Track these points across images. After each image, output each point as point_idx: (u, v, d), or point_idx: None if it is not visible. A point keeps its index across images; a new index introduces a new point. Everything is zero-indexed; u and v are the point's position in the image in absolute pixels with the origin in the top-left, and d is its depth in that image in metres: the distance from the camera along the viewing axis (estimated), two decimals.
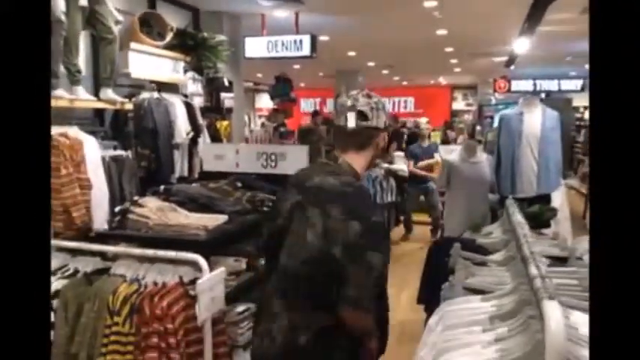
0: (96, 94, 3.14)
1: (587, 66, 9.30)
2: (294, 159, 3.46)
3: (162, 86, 3.61)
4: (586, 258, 1.98)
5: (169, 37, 3.72)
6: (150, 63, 3.54)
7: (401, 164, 6.00)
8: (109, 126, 3.44)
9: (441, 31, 7.00)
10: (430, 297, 1.94)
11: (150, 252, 2.11)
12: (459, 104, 17.22)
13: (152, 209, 2.38)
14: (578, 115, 12.18)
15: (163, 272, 2.11)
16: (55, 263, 2.16)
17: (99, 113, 3.50)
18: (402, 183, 5.81)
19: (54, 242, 2.19)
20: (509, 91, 10.70)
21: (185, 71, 4.04)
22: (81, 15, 2.78)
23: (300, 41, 5.58)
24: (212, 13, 5.46)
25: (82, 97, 2.90)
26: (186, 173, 3.62)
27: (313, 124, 6.50)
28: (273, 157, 3.47)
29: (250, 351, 1.44)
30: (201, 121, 3.86)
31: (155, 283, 2.02)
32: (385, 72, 12.73)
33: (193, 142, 3.68)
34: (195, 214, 2.46)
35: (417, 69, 12.50)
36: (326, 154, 1.54)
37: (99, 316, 1.98)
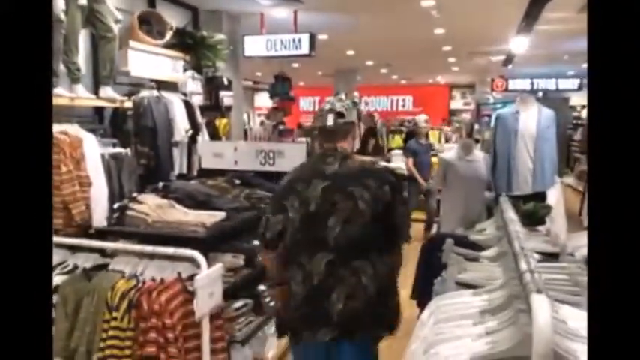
0: (96, 92, 3.17)
1: (584, 65, 9.35)
2: (292, 157, 3.48)
3: (162, 84, 3.64)
4: (577, 254, 2.01)
5: (169, 35, 3.74)
6: (149, 61, 3.56)
7: (399, 162, 6.03)
8: (109, 124, 3.47)
9: (439, 30, 7.02)
10: (423, 292, 1.97)
11: (148, 248, 2.14)
12: (457, 103, 17.28)
13: (151, 206, 2.41)
14: (576, 114, 12.21)
15: (162, 268, 2.14)
16: (54, 259, 2.19)
17: (99, 111, 3.53)
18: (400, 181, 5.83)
19: (54, 239, 2.21)
20: (506, 89, 10.72)
21: (184, 70, 4.06)
22: (80, 13, 2.80)
23: (299, 40, 5.60)
24: (211, 12, 5.48)
25: (82, 95, 2.92)
26: (185, 171, 3.65)
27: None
28: (271, 154, 3.50)
29: (337, 314, 1.67)
30: (200, 119, 3.89)
31: (153, 279, 2.05)
32: (384, 71, 12.75)
33: (192, 140, 3.70)
34: (194, 211, 2.49)
35: (416, 68, 12.52)
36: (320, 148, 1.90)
37: (98, 311, 2.01)
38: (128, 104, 3.26)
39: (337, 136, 1.82)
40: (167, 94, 3.53)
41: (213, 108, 4.66)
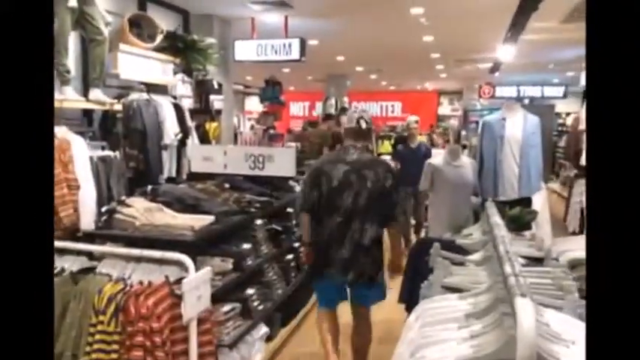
0: (85, 94, 3.15)
1: (569, 73, 9.49)
2: (282, 161, 3.50)
3: (152, 88, 3.62)
4: (562, 259, 2.05)
5: (159, 39, 3.73)
6: (139, 64, 3.55)
7: None
8: (98, 126, 3.45)
9: (428, 38, 7.11)
10: (411, 296, 1.99)
11: (136, 252, 2.13)
12: (445, 109, 17.50)
13: (139, 209, 2.40)
14: (561, 121, 12.46)
15: (149, 272, 2.13)
16: None
17: (87, 114, 3.50)
18: None
19: None
20: (493, 96, 10.89)
21: (174, 73, 4.06)
22: (70, 16, 2.79)
23: (290, 45, 5.63)
24: (202, 16, 5.48)
25: (71, 98, 2.90)
26: (174, 174, 3.64)
27: (327, 128, 6.51)
28: (260, 159, 3.51)
29: (339, 252, 2.45)
30: (190, 122, 3.88)
31: (141, 283, 2.04)
32: (373, 77, 12.85)
33: (182, 143, 3.69)
34: (182, 214, 2.48)
35: (405, 74, 12.65)
36: (331, 146, 2.88)
37: (84, 315, 1.99)
38: (118, 107, 3.25)
39: (364, 136, 2.63)
40: (157, 97, 3.52)
41: (203, 111, 4.66)
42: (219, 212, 2.55)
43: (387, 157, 6.46)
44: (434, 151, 5.57)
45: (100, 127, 3.43)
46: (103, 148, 2.96)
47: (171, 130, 3.50)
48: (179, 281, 2.00)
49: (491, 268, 1.67)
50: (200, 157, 3.60)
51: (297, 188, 3.87)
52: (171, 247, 2.15)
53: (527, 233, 2.57)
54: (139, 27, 3.68)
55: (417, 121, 5.79)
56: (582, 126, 6.03)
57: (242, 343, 2.70)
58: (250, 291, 2.85)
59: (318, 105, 13.89)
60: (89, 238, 2.40)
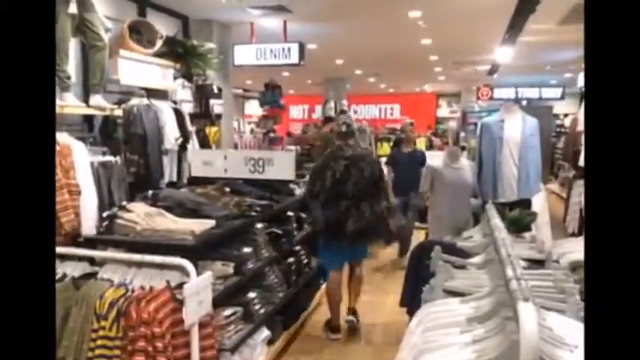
0: (85, 100, 3.15)
1: (566, 74, 9.50)
2: (282, 164, 3.51)
3: (152, 93, 3.63)
4: (562, 261, 2.05)
5: (159, 44, 3.74)
6: (139, 70, 3.56)
7: None
8: (99, 132, 3.45)
9: (426, 41, 7.14)
10: (412, 300, 2.00)
11: (137, 257, 2.14)
12: (443, 111, 17.55)
13: (140, 214, 2.40)
14: (559, 122, 12.50)
15: (151, 277, 2.14)
16: None
17: (88, 119, 3.51)
18: None
19: None
20: (491, 98, 10.92)
21: (174, 78, 4.07)
22: (70, 22, 2.80)
23: (289, 49, 5.65)
24: (202, 22, 5.50)
25: (72, 104, 2.91)
26: (175, 179, 3.64)
27: (329, 130, 6.54)
28: (260, 162, 3.52)
29: (350, 232, 3.16)
30: (190, 127, 3.88)
31: (142, 288, 2.04)
32: (372, 80, 12.88)
33: (182, 147, 3.69)
34: (183, 219, 2.49)
35: (403, 77, 12.68)
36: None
37: (86, 321, 2.00)
38: (118, 112, 3.25)
39: (346, 136, 3.43)
40: (157, 102, 3.53)
41: (204, 116, 4.66)
42: (219, 216, 2.56)
43: (383, 160, 6.45)
44: (432, 153, 5.50)
45: (101, 132, 3.44)
46: (103, 154, 2.96)
47: (171, 135, 3.51)
48: (180, 286, 2.00)
49: (493, 271, 1.67)
50: (200, 162, 3.60)
51: (298, 191, 3.87)
52: (172, 251, 2.15)
53: (527, 235, 2.57)
54: (139, 33, 3.69)
55: (411, 124, 5.45)
56: (580, 127, 6.05)
57: (244, 346, 2.70)
58: (251, 295, 2.85)
59: (318, 108, 13.92)
60: (90, 243, 2.40)
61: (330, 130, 6.31)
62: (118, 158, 2.93)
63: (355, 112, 16.55)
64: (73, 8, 2.76)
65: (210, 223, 2.45)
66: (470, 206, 3.64)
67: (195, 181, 3.48)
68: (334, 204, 3.16)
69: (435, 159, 4.10)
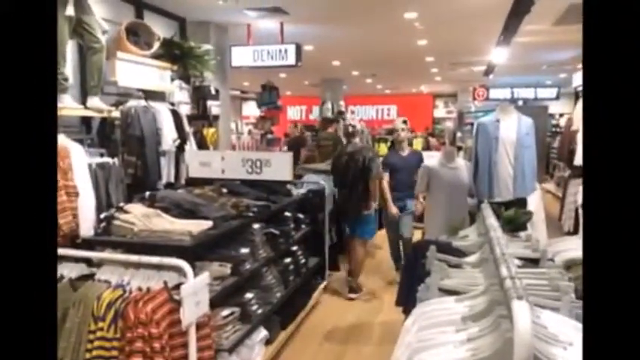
0: (83, 102, 3.16)
1: (561, 75, 9.52)
2: (279, 165, 3.53)
3: (149, 94, 3.64)
4: (557, 259, 2.07)
5: (156, 46, 3.75)
6: (137, 72, 3.57)
7: None
8: (96, 133, 3.46)
9: (422, 42, 7.16)
10: (408, 299, 2.01)
11: (134, 258, 2.14)
12: (440, 112, 17.62)
13: (137, 215, 2.41)
14: (554, 122, 12.55)
15: (148, 278, 2.14)
16: None
17: (86, 121, 3.52)
18: None
19: None
20: (487, 99, 10.96)
21: (172, 79, 4.08)
22: (68, 24, 2.81)
23: (286, 51, 5.66)
24: (199, 23, 5.51)
25: (69, 106, 2.92)
26: (172, 180, 3.65)
27: (334, 131, 6.55)
28: (258, 163, 3.53)
29: (351, 208, 4.28)
30: (187, 128, 3.90)
31: (140, 289, 2.04)
32: (369, 80, 12.90)
33: (180, 149, 3.70)
34: (181, 219, 2.49)
35: (400, 78, 12.71)
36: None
37: (83, 322, 2.00)
38: (116, 114, 3.26)
39: (350, 136, 4.58)
40: (155, 104, 3.54)
41: (201, 117, 4.67)
42: (216, 217, 2.56)
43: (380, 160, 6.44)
44: (429, 153, 5.49)
45: (99, 134, 3.45)
46: (101, 155, 2.97)
47: (169, 136, 3.52)
48: (178, 287, 2.01)
49: (488, 270, 1.68)
50: (198, 163, 3.62)
51: (295, 192, 3.88)
52: (169, 252, 2.16)
53: (522, 234, 2.58)
54: (136, 35, 3.70)
55: (405, 122, 4.63)
56: (575, 126, 6.08)
57: (241, 347, 2.71)
58: (249, 295, 2.86)
59: (315, 109, 13.93)
60: (88, 244, 2.41)
61: (334, 130, 6.39)
62: (115, 160, 2.94)
63: (352, 112, 16.59)
64: (70, 10, 2.77)
65: (207, 223, 2.45)
66: (466, 206, 3.66)
67: (193, 182, 3.49)
68: (339, 189, 4.39)
69: (431, 159, 4.12)
